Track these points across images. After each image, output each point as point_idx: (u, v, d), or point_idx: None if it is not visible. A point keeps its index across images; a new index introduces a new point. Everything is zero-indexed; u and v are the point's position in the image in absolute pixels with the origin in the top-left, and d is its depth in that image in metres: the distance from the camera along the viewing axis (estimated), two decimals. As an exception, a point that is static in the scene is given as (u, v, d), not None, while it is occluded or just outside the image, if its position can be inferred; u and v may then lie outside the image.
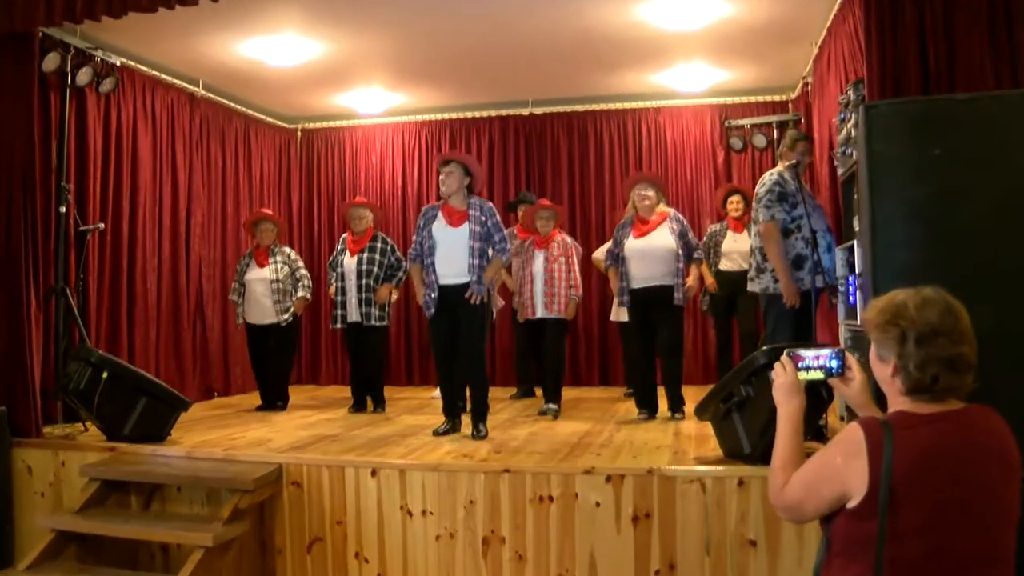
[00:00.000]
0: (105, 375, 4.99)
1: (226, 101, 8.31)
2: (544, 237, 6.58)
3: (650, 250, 5.86)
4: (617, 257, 6.02)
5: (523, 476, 4.05)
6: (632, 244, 5.93)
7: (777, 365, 2.13)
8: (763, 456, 3.94)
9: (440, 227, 5.37)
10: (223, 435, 5.49)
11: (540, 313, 6.50)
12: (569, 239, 6.78)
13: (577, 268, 6.61)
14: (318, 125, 9.49)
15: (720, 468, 3.92)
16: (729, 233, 7.31)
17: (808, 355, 2.12)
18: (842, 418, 4.97)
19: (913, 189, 2.85)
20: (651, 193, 5.96)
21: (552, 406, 6.31)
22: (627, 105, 8.79)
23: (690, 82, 8.16)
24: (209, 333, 7.94)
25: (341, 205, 8.10)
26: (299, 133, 9.52)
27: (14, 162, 5.25)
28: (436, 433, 5.29)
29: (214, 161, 8.13)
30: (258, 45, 6.89)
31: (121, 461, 4.71)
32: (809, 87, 7.33)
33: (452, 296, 5.28)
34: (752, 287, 5.12)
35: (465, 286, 5.24)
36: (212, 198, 8.09)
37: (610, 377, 8.67)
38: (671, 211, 6.07)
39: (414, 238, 5.55)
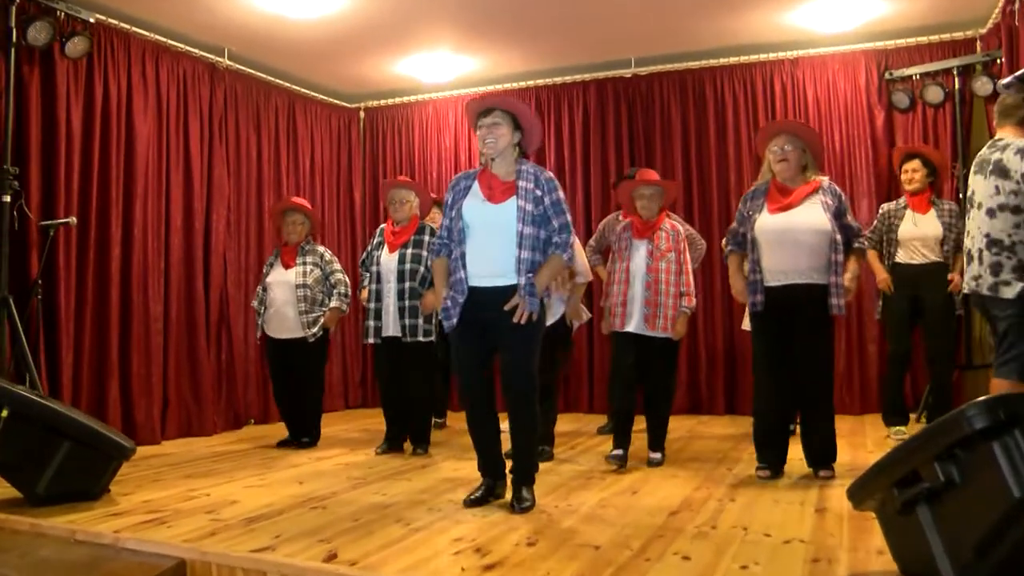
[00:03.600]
0: (4, 413, 3.63)
1: (261, 74, 6.99)
2: (647, 223, 4.69)
3: (793, 232, 4.05)
4: (742, 239, 4.25)
5: (535, 615, 2.36)
6: (766, 222, 4.12)
7: None
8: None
9: (475, 204, 3.67)
10: (183, 490, 4.06)
11: (635, 327, 4.59)
12: (682, 226, 4.94)
13: (691, 268, 4.74)
14: (382, 102, 8.09)
15: (897, 628, 2.09)
16: (908, 214, 5.36)
17: None
18: None
19: None
20: (792, 150, 4.13)
21: (656, 456, 4.66)
22: (754, 57, 6.97)
23: (837, 21, 6.31)
24: (238, 349, 6.62)
25: (382, 185, 6.60)
26: (362, 113, 8.14)
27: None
28: (467, 502, 3.65)
29: (245, 146, 6.81)
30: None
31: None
32: (1014, 9, 5.25)
33: (488, 304, 3.58)
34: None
35: (507, 291, 3.57)
36: (243, 190, 6.78)
37: (738, 404, 6.82)
38: (825, 180, 4.21)
39: (441, 221, 3.90)
